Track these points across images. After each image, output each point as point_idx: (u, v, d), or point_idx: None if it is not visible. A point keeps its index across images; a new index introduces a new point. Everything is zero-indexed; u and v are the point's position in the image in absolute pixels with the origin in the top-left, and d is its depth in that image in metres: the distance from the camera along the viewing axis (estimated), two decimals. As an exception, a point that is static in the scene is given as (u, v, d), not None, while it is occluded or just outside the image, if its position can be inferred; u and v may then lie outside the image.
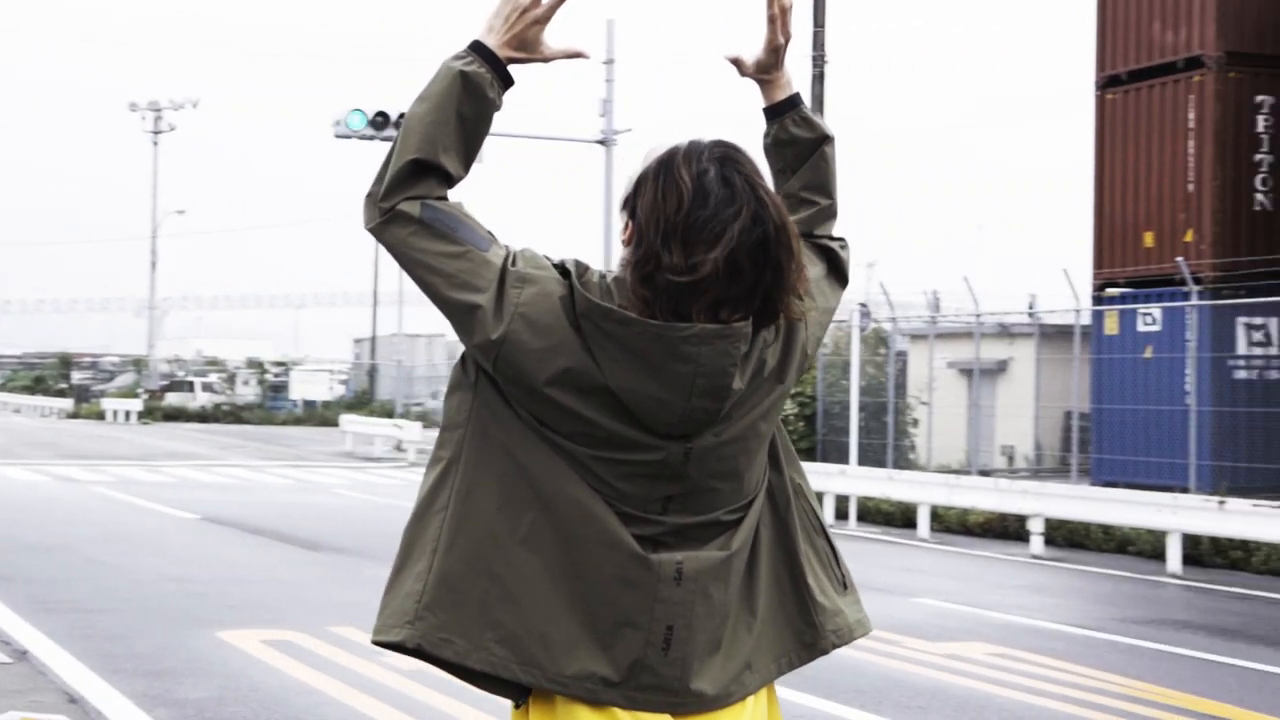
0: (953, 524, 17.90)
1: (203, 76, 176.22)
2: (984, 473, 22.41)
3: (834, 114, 26.31)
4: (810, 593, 2.49)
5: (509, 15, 2.44)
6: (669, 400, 2.29)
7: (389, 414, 43.77)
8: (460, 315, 2.34)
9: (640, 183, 2.34)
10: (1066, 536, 16.39)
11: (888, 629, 9.93)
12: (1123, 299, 21.63)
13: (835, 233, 2.68)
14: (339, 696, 7.54)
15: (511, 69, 2.48)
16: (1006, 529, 17.25)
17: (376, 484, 24.22)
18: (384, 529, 16.81)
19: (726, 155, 2.31)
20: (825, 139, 2.66)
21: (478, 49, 2.44)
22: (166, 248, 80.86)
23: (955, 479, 17.50)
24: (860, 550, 15.87)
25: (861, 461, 20.63)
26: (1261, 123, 20.76)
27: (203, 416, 51.72)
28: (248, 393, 57.85)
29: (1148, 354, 20.90)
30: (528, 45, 2.46)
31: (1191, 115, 20.74)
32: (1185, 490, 17.27)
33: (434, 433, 30.32)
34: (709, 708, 2.37)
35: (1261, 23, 20.76)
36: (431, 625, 2.36)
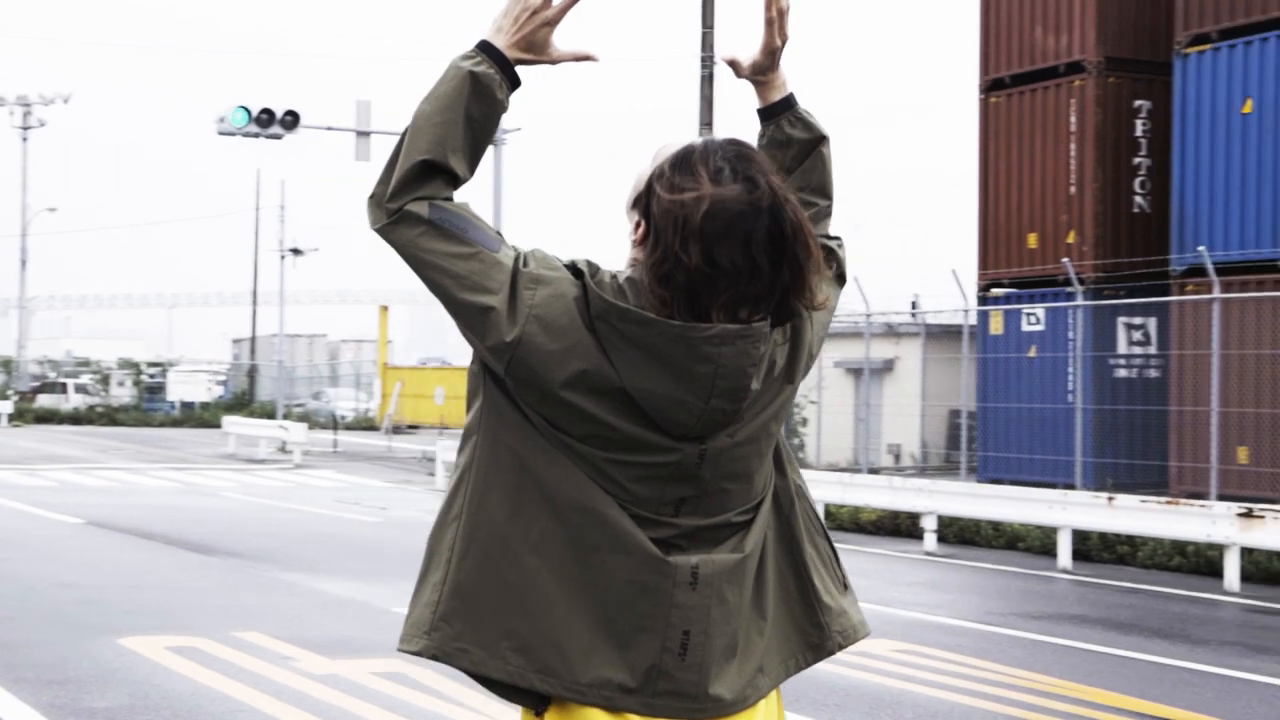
0: (845, 521, 18.07)
1: (75, 70, 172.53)
2: (873, 471, 22.70)
3: (723, 115, 26.51)
4: (817, 594, 2.49)
5: (519, 16, 2.40)
6: (687, 401, 2.27)
7: (270, 415, 43.20)
8: (472, 317, 2.31)
9: (652, 181, 2.30)
10: (958, 533, 16.63)
11: (797, 627, 10.04)
12: (1007, 299, 22.02)
13: (831, 231, 2.69)
14: (254, 703, 7.41)
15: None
16: (899, 526, 17.47)
17: (263, 486, 23.85)
18: (277, 531, 16.57)
19: (741, 153, 2.29)
20: (822, 139, 2.65)
21: (486, 49, 2.40)
22: (37, 245, 79.05)
23: (849, 477, 17.69)
24: (757, 549, 15.97)
25: (753, 460, 20.74)
26: (1140, 126, 21.25)
27: (76, 418, 50.58)
28: (123, 394, 56.71)
29: (1032, 353, 21.31)
30: (536, 47, 2.43)
31: (1073, 119, 21.17)
32: (1070, 487, 17.63)
33: (320, 434, 29.74)
34: (726, 713, 2.36)
35: (1140, 28, 21.25)
36: (448, 635, 2.35)
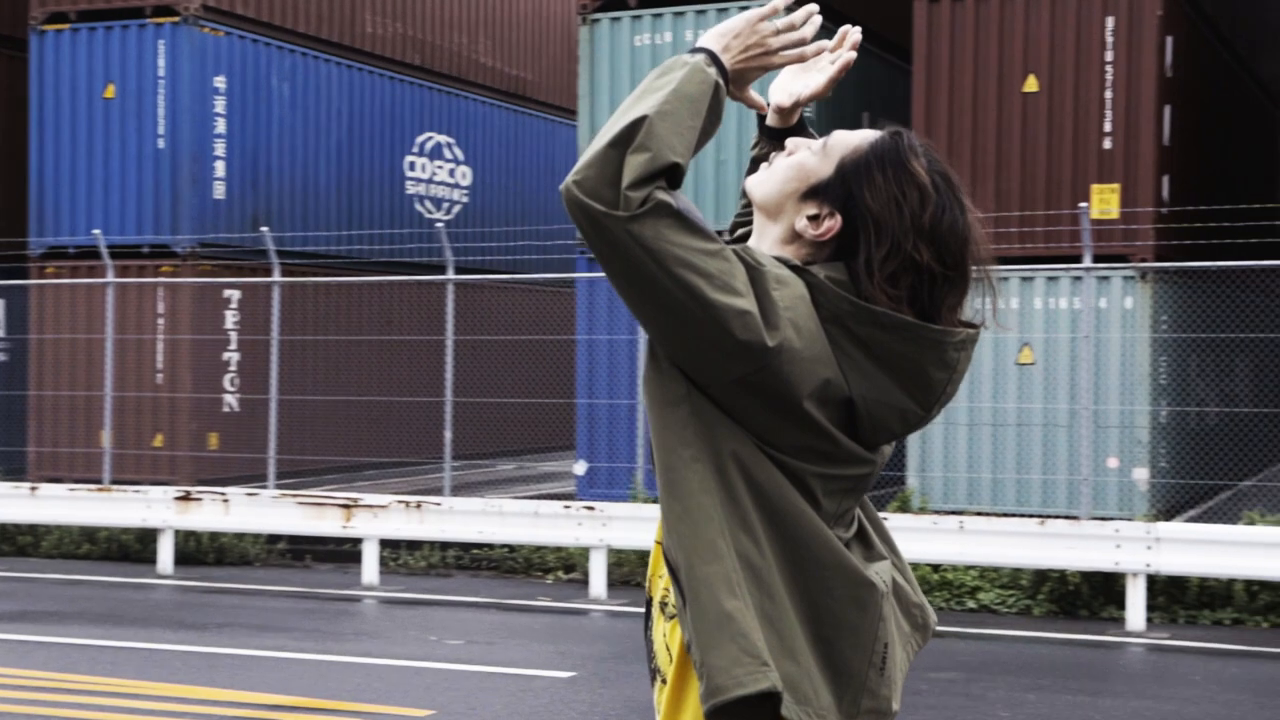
0: None
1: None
2: None
3: None
4: (908, 576, 2.42)
5: (750, 47, 2.22)
6: (909, 411, 2.17)
7: None
8: (728, 321, 2.03)
9: (853, 175, 2.18)
10: None
11: None
12: None
13: None
14: None
15: None
16: None
17: None
18: None
19: (931, 149, 2.24)
20: None
21: (719, 65, 2.16)
22: None
23: None
24: None
25: None
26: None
27: None
28: None
29: None
30: (742, 82, 2.26)
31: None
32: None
33: None
34: None
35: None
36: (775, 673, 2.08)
